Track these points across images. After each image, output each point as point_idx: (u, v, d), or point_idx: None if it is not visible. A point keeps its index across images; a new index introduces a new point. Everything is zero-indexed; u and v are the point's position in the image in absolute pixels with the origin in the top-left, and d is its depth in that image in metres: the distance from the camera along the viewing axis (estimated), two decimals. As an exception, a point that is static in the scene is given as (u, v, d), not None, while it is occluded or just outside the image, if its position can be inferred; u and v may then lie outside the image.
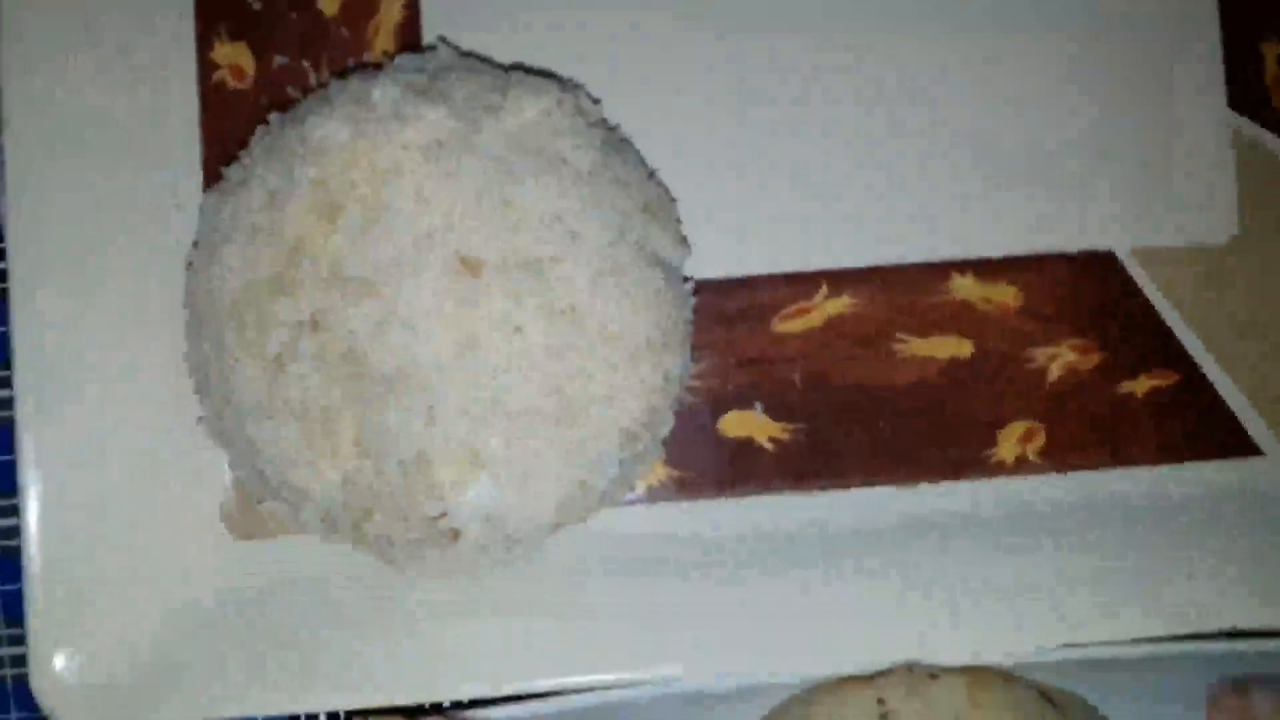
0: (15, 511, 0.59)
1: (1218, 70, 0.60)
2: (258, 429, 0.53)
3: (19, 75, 0.57)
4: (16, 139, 0.56)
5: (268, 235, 0.52)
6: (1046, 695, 0.55)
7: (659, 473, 0.59)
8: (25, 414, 0.56)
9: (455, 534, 0.53)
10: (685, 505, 0.59)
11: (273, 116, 0.57)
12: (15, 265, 0.56)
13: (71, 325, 0.56)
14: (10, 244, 0.56)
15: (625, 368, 0.53)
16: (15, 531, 0.60)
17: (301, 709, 0.57)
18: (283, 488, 0.54)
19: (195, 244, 0.56)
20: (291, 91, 0.60)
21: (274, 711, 0.57)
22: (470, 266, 0.52)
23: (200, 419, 0.56)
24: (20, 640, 0.60)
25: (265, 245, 0.52)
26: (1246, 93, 0.60)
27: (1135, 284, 0.60)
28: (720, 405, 0.59)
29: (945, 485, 0.59)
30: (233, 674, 0.55)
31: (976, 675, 0.55)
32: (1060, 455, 0.59)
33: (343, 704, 0.56)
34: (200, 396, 0.56)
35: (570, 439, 0.53)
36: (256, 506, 0.57)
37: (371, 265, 0.52)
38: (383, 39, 0.60)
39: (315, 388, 0.52)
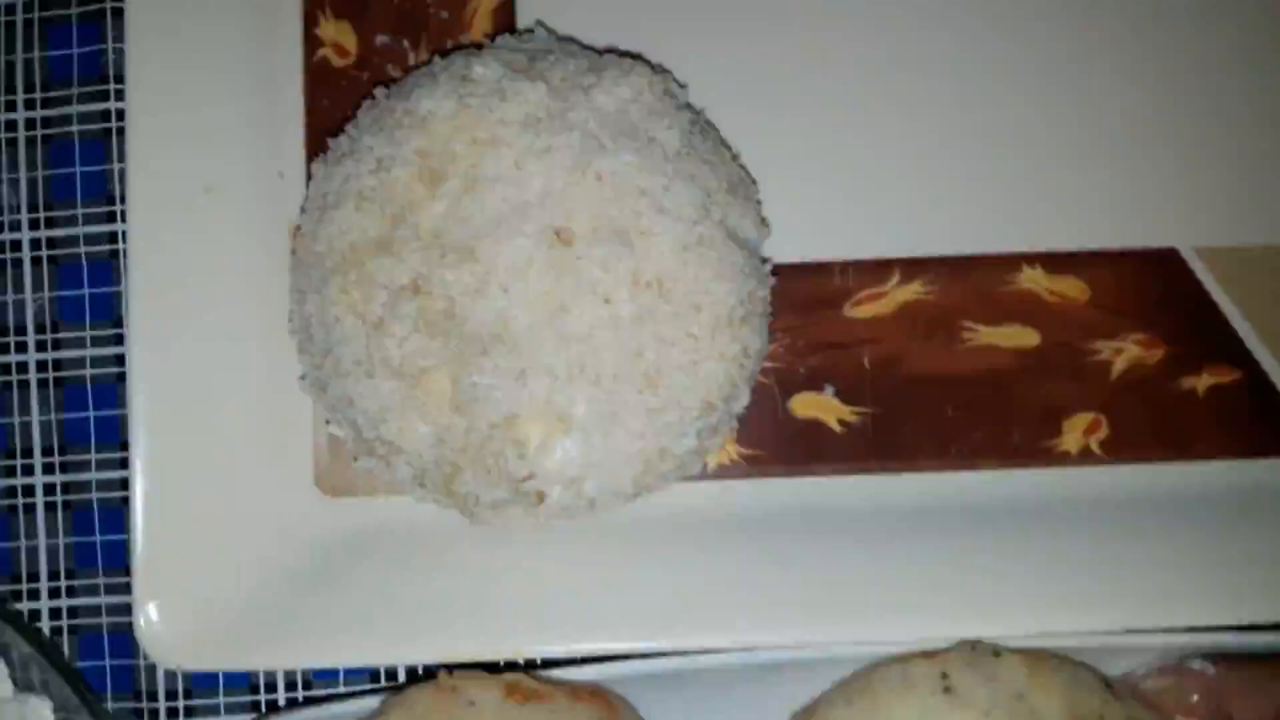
0: (121, 465, 0.62)
1: (1286, 73, 0.61)
2: (356, 385, 0.54)
3: (141, 57, 0.59)
4: (137, 114, 0.58)
5: (374, 200, 0.54)
6: (1103, 678, 0.55)
7: (729, 450, 0.59)
8: (135, 372, 0.58)
9: (540, 496, 0.54)
10: (754, 482, 0.59)
11: (379, 91, 0.58)
12: (131, 230, 0.58)
13: (180, 288, 0.58)
14: (129, 210, 0.58)
15: (706, 340, 0.54)
16: (116, 484, 0.63)
17: (384, 662, 0.59)
18: (377, 443, 0.55)
19: (303, 209, 0.58)
20: (391, 70, 0.61)
21: (358, 664, 0.59)
22: (563, 236, 0.53)
23: (301, 376, 0.58)
24: (120, 590, 0.62)
25: (371, 210, 0.54)
26: (1316, 97, 0.60)
27: (1199, 281, 0.60)
28: (791, 386, 0.60)
29: (1009, 472, 0.59)
30: (320, 626, 0.56)
31: (1037, 655, 0.55)
32: (1122, 447, 0.59)
33: (425, 658, 0.57)
34: (301, 354, 0.58)
35: (652, 406, 0.54)
36: (352, 465, 0.58)
37: (471, 232, 0.53)
38: (480, 21, 0.61)
39: (413, 347, 0.53)
